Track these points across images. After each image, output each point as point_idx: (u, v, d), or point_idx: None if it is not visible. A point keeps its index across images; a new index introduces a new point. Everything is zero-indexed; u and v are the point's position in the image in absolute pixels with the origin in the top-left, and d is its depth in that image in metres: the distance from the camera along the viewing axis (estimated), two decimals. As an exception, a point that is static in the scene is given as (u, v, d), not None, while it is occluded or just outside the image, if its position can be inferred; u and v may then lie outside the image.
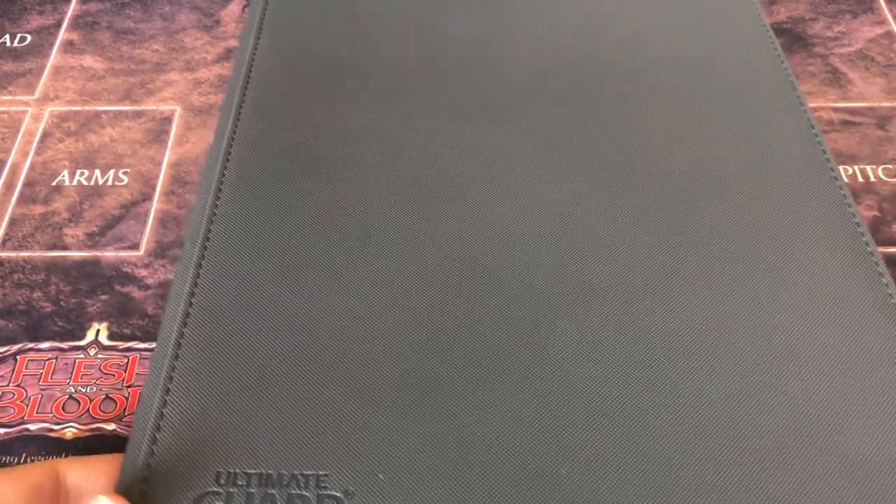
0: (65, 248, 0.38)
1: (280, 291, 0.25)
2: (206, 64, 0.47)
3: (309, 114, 0.30)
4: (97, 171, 0.41)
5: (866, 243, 0.26)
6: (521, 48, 0.33)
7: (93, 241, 0.38)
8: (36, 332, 0.35)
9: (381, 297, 0.25)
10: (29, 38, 0.49)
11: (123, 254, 0.38)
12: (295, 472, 0.21)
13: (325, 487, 0.21)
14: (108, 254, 0.38)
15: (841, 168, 0.41)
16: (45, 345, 0.34)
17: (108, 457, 0.22)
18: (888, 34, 0.48)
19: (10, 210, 0.40)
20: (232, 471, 0.21)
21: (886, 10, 0.50)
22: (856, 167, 0.41)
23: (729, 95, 0.31)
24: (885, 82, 0.45)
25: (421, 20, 0.35)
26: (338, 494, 0.21)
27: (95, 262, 0.37)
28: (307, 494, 0.21)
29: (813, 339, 0.24)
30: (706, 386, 0.23)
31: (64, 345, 0.34)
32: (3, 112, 0.45)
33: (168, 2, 0.51)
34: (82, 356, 0.34)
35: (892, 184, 0.40)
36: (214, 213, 0.27)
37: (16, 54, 0.48)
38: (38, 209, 0.40)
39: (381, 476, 0.21)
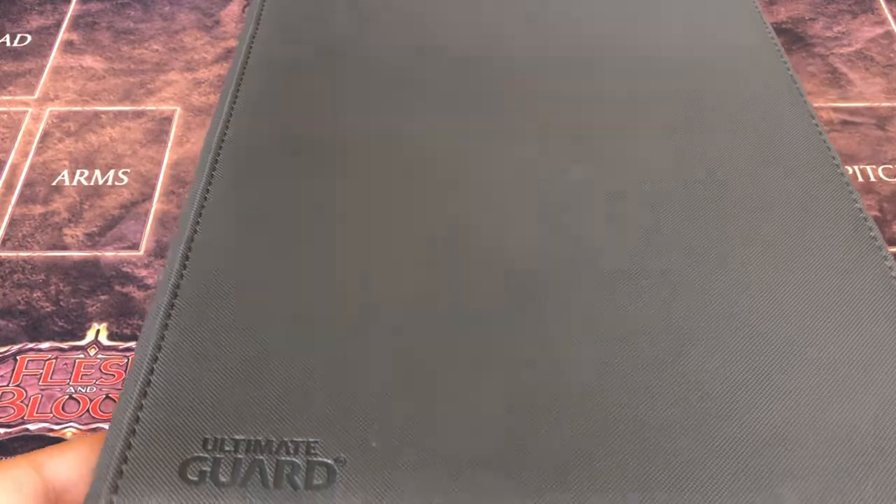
0: (65, 248, 0.38)
1: (272, 263, 0.25)
2: (206, 64, 0.47)
3: (305, 101, 0.30)
4: (97, 171, 0.41)
5: (865, 218, 0.26)
6: (523, 41, 0.33)
7: (93, 241, 0.38)
8: (36, 332, 0.35)
9: (375, 271, 0.25)
10: (29, 38, 0.49)
11: (123, 254, 0.38)
12: (285, 438, 0.21)
13: (316, 454, 0.21)
14: (108, 254, 0.38)
15: (841, 168, 0.41)
16: (45, 345, 0.34)
17: (87, 439, 0.21)
18: (888, 34, 0.48)
19: (10, 210, 0.40)
20: (220, 437, 0.21)
21: (886, 10, 0.50)
22: (856, 167, 0.41)
23: (729, 85, 0.31)
24: (884, 82, 0.45)
25: (421, 11, 0.35)
26: (328, 461, 0.21)
27: (95, 262, 0.37)
28: (297, 461, 0.20)
29: (813, 313, 0.24)
30: (702, 362, 0.23)
31: (64, 345, 0.34)
32: (3, 112, 0.45)
33: (168, 2, 0.51)
34: (82, 356, 0.34)
35: (892, 184, 0.40)
36: (208, 191, 0.27)
37: (16, 54, 0.48)
38: (38, 209, 0.40)
39: (373, 443, 0.21)
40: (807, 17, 0.49)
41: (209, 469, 0.20)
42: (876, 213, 0.39)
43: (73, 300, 0.36)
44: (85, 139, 0.43)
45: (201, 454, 0.21)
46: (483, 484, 0.20)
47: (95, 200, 0.40)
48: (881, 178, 0.40)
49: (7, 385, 0.33)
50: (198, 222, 0.26)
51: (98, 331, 0.35)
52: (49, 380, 0.33)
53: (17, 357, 0.34)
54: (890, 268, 0.25)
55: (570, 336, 0.24)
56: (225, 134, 0.29)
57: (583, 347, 0.23)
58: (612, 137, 0.29)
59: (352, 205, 0.27)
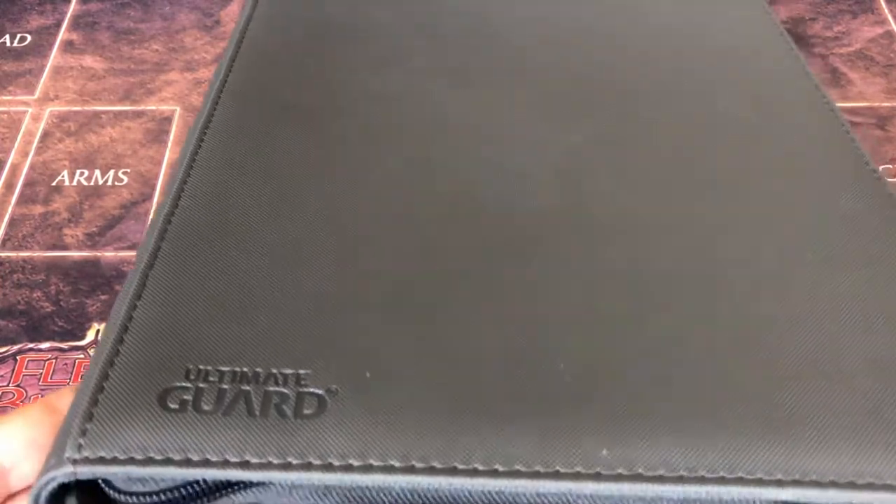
0: (65, 248, 0.38)
1: (262, 206, 0.24)
2: (206, 64, 0.47)
3: (301, 71, 0.30)
4: (97, 171, 0.41)
5: (884, 185, 0.26)
6: (523, 20, 0.33)
7: (93, 241, 0.38)
8: (36, 332, 0.35)
9: (370, 210, 0.25)
10: (29, 38, 0.49)
11: (123, 254, 0.38)
12: (273, 370, 0.20)
13: (306, 385, 0.20)
14: (108, 254, 0.38)
15: (841, 168, 0.41)
16: (45, 345, 0.34)
17: (25, 411, 0.20)
18: (888, 34, 0.48)
19: (10, 210, 0.40)
20: (204, 368, 0.20)
21: (886, 10, 0.50)
22: (856, 167, 0.41)
23: (733, 60, 0.31)
24: (885, 82, 0.45)
25: None
26: (319, 392, 0.20)
27: (95, 262, 0.37)
28: (286, 391, 0.19)
29: (844, 268, 0.24)
30: (732, 307, 0.22)
31: (64, 345, 0.34)
32: (3, 112, 0.45)
33: (168, 2, 0.51)
34: (82, 356, 0.34)
35: (893, 184, 0.40)
36: (200, 146, 0.27)
37: (16, 54, 0.48)
38: (38, 209, 0.40)
39: (367, 374, 0.20)
40: (807, 17, 0.49)
41: (191, 398, 0.19)
42: (876, 213, 0.39)
43: (73, 300, 0.36)
44: (85, 139, 0.43)
45: (183, 383, 0.20)
46: (481, 417, 0.19)
47: (95, 200, 0.40)
48: (881, 178, 0.41)
49: (7, 385, 0.33)
50: (189, 171, 0.26)
51: (98, 331, 0.35)
52: (49, 380, 0.33)
53: (17, 357, 0.34)
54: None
55: (573, 273, 0.23)
56: (222, 91, 0.29)
57: (589, 287, 0.23)
58: (616, 102, 0.29)
59: (345, 156, 0.27)
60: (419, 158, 0.27)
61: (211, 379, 0.20)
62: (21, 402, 0.32)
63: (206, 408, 0.19)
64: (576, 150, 0.27)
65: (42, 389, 0.33)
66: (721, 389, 0.20)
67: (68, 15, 0.51)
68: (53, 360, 0.34)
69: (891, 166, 0.41)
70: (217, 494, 0.20)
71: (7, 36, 0.49)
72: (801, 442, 0.20)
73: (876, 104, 0.44)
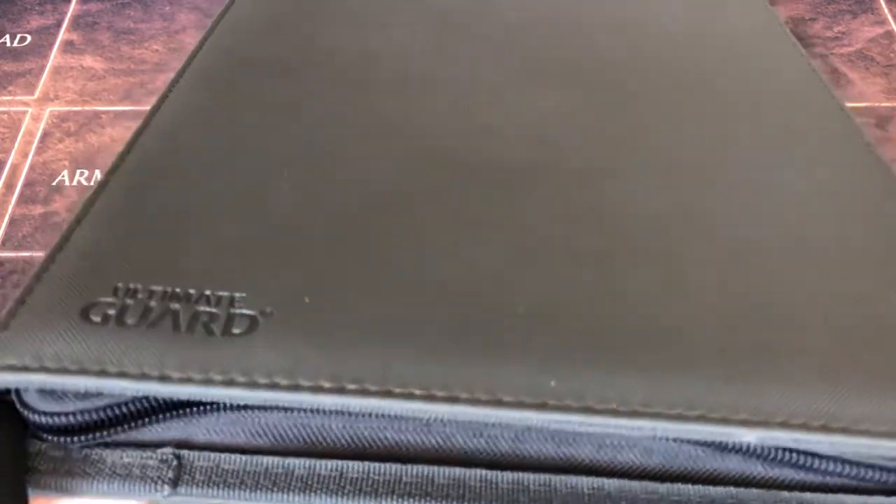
0: (65, 248, 0.38)
1: (216, 152, 0.24)
2: (206, 64, 0.47)
3: (283, 33, 0.30)
4: (97, 172, 0.41)
5: (878, 158, 0.26)
6: (520, 8, 0.33)
7: (93, 241, 0.38)
8: (36, 332, 0.35)
9: (327, 158, 0.24)
10: (29, 38, 0.49)
11: (123, 254, 0.38)
12: (206, 291, 0.19)
13: (240, 307, 0.19)
14: (108, 254, 0.38)
15: (841, 168, 0.41)
16: (45, 345, 0.34)
17: None
18: (888, 34, 0.48)
19: (9, 210, 0.40)
20: (133, 286, 0.19)
21: (886, 10, 0.50)
22: (856, 167, 0.41)
23: (727, 43, 0.31)
24: (885, 82, 0.45)
25: None
26: (252, 313, 0.19)
27: (95, 263, 0.37)
28: (216, 311, 0.19)
29: (826, 228, 0.23)
30: (705, 255, 0.21)
31: (64, 345, 0.34)
32: (3, 112, 0.45)
33: (168, 2, 0.51)
34: (82, 356, 0.34)
35: (892, 184, 0.40)
36: (167, 96, 0.26)
37: (16, 54, 0.48)
38: (38, 209, 0.40)
39: (306, 299, 0.19)
40: (807, 17, 0.49)
41: (115, 312, 0.19)
42: (876, 213, 0.39)
43: (73, 300, 0.36)
44: (85, 139, 0.43)
45: (109, 299, 0.19)
46: (423, 344, 0.18)
47: (95, 200, 0.40)
48: (881, 179, 0.40)
49: (7, 385, 0.33)
50: (152, 116, 0.25)
51: (98, 331, 0.35)
52: (49, 380, 0.33)
53: (17, 357, 0.34)
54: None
55: (536, 213, 0.22)
56: (199, 50, 0.29)
57: (555, 228, 0.22)
58: (598, 69, 0.29)
59: (310, 105, 0.26)
60: (387, 110, 0.26)
61: (139, 296, 0.19)
62: None
63: (129, 322, 0.18)
64: (555, 113, 0.26)
65: (42, 389, 0.33)
66: (683, 325, 0.19)
67: (68, 15, 0.51)
68: (53, 361, 0.34)
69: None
70: (139, 422, 0.19)
71: (7, 36, 0.49)
72: (768, 381, 0.18)
73: (876, 104, 0.44)
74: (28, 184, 0.41)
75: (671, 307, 0.20)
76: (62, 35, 0.49)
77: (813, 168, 0.24)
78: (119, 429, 0.19)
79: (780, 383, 0.18)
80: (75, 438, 0.19)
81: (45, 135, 0.43)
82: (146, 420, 0.19)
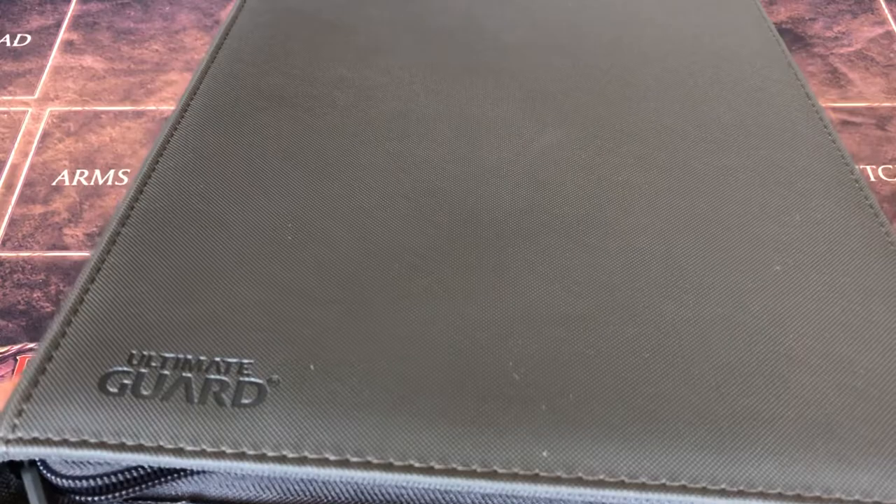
0: (65, 248, 0.38)
1: (223, 201, 0.24)
2: (206, 64, 0.47)
3: (285, 62, 0.30)
4: (97, 171, 0.41)
5: (866, 197, 0.26)
6: (514, 18, 0.33)
7: (93, 241, 0.38)
8: (36, 332, 0.35)
9: (331, 210, 0.24)
10: (29, 38, 0.49)
11: (123, 254, 0.38)
12: (216, 358, 0.20)
13: (248, 374, 0.20)
14: (108, 254, 0.38)
15: (841, 168, 0.41)
16: (45, 345, 0.35)
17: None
18: (888, 34, 0.48)
19: (10, 210, 0.40)
20: (147, 353, 0.20)
21: (886, 10, 0.50)
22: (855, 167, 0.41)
23: (723, 65, 0.31)
24: (884, 82, 0.45)
25: None
26: (260, 381, 0.19)
27: (95, 263, 0.37)
28: (226, 380, 0.19)
29: (812, 276, 0.23)
30: (692, 312, 0.22)
31: (64, 345, 0.34)
32: (3, 112, 0.45)
33: (168, 2, 0.51)
34: (82, 356, 0.34)
35: (892, 184, 0.40)
36: (172, 134, 0.27)
37: (16, 54, 0.48)
38: (38, 209, 0.40)
39: (311, 366, 0.20)
40: (807, 17, 0.49)
41: (131, 382, 0.19)
42: (876, 213, 0.39)
43: (73, 300, 0.36)
44: (85, 139, 0.43)
45: (125, 368, 0.20)
46: (421, 414, 0.19)
47: (95, 200, 0.40)
48: (881, 178, 0.40)
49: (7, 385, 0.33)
50: (158, 157, 0.25)
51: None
52: (49, 380, 0.33)
53: (17, 357, 0.34)
54: (882, 226, 0.25)
55: (531, 273, 0.22)
56: (202, 80, 0.29)
57: (547, 287, 0.22)
58: (594, 104, 0.29)
59: (313, 147, 0.26)
60: (389, 152, 0.26)
61: (153, 364, 0.20)
62: None
63: (144, 392, 0.19)
64: (550, 151, 0.27)
65: (42, 389, 0.33)
66: (667, 396, 0.20)
67: (68, 15, 0.51)
68: (53, 360, 0.34)
69: (891, 166, 0.41)
70: (157, 481, 0.20)
71: (7, 36, 0.49)
72: (747, 451, 0.19)
73: (876, 104, 0.44)
74: (28, 184, 0.41)
75: (655, 374, 0.20)
76: (62, 35, 0.49)
77: (794, 225, 0.25)
78: (138, 488, 0.20)
79: (757, 452, 0.19)
80: (97, 498, 0.20)
81: (45, 135, 0.43)
82: (163, 479, 0.20)
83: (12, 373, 0.33)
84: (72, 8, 0.51)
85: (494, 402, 0.19)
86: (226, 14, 0.50)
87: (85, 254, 0.38)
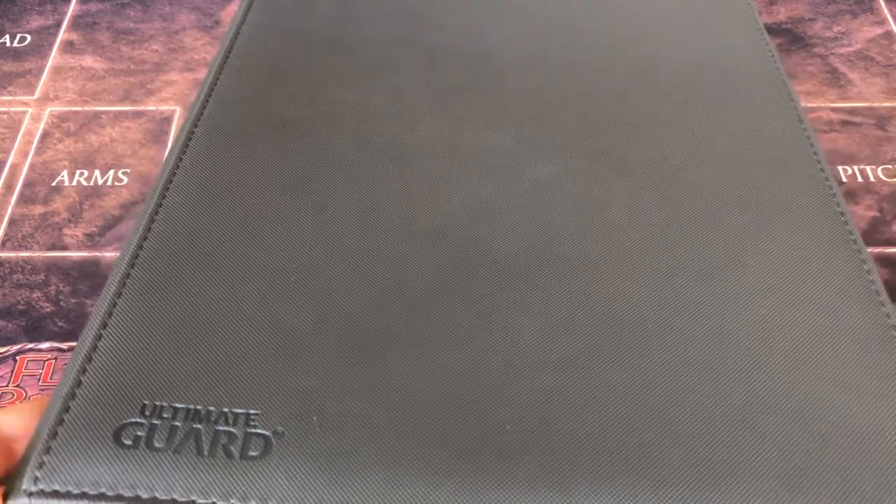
0: (65, 248, 0.38)
1: (229, 239, 0.25)
2: (205, 64, 0.47)
3: (287, 85, 0.31)
4: (97, 171, 0.41)
5: (850, 233, 0.26)
6: (511, 36, 0.33)
7: (92, 241, 0.38)
8: (36, 332, 0.35)
9: (334, 250, 0.25)
10: (29, 38, 0.49)
11: (123, 254, 0.38)
12: (224, 409, 0.21)
13: (255, 426, 0.21)
14: (108, 254, 0.38)
15: (840, 168, 0.41)
16: (44, 345, 0.34)
17: (37, 400, 0.22)
18: (888, 34, 0.48)
19: (9, 210, 0.40)
20: (159, 404, 0.21)
21: (886, 10, 0.50)
22: (855, 167, 0.41)
23: (720, 86, 0.31)
24: (884, 82, 0.45)
25: (410, 3, 0.35)
26: (266, 433, 0.21)
27: (95, 263, 0.37)
28: (234, 431, 0.21)
29: (794, 318, 0.24)
30: (677, 356, 0.23)
31: (64, 345, 0.34)
32: (3, 112, 0.45)
33: (168, 2, 0.51)
34: (82, 356, 0.34)
35: (892, 184, 0.40)
36: (178, 167, 0.27)
37: (16, 54, 0.48)
38: (38, 209, 0.40)
39: (314, 418, 0.21)
40: (807, 17, 0.49)
41: (144, 434, 0.20)
42: (875, 213, 0.39)
43: (73, 300, 0.36)
44: (85, 139, 0.43)
45: (138, 420, 0.21)
46: (417, 468, 0.20)
47: (95, 200, 0.40)
48: (881, 178, 0.40)
49: (7, 385, 0.33)
50: (165, 192, 0.26)
51: (98, 331, 0.35)
52: (49, 380, 0.33)
53: (17, 357, 0.34)
54: (865, 263, 0.25)
55: (527, 319, 0.23)
56: (206, 105, 0.29)
57: (539, 331, 0.23)
58: (593, 133, 0.29)
59: (314, 181, 0.27)
60: (389, 188, 0.27)
61: (165, 416, 0.21)
62: (20, 402, 0.33)
63: (158, 445, 0.20)
64: (547, 185, 0.27)
65: (42, 389, 0.33)
66: (652, 445, 0.21)
67: (68, 15, 0.51)
68: (53, 361, 0.34)
69: (890, 166, 0.41)
70: None
71: (7, 36, 0.49)
72: (721, 498, 0.20)
73: (876, 104, 0.44)
74: (28, 184, 0.41)
75: (640, 424, 0.21)
76: (62, 35, 0.49)
77: (781, 264, 0.25)
78: None
79: (730, 501, 0.20)
80: None
81: (45, 135, 0.43)
82: None
83: (12, 373, 0.33)
84: (72, 8, 0.51)
85: (489, 456, 0.20)
86: (226, 14, 0.50)
87: (85, 254, 0.38)
